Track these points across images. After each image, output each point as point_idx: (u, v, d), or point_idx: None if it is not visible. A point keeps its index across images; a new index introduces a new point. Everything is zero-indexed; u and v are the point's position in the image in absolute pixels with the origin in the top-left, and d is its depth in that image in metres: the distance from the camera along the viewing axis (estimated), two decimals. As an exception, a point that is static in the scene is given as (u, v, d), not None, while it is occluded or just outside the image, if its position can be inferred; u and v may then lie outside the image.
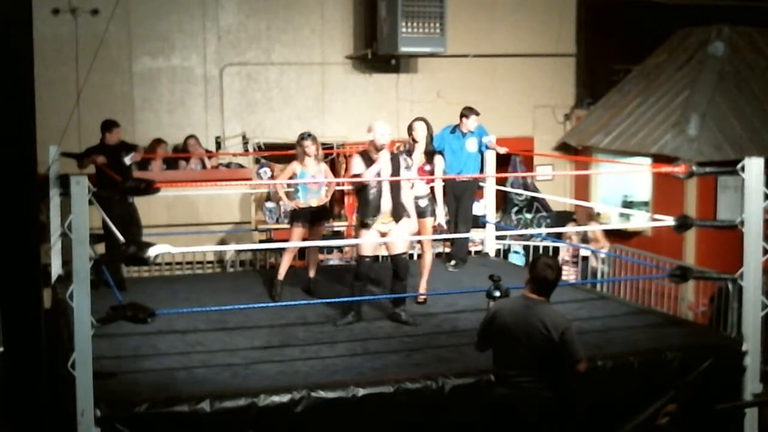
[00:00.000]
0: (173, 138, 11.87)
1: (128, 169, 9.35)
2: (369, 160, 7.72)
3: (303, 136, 8.82)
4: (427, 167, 8.72)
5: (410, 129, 8.78)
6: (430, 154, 8.77)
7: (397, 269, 7.81)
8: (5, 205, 5.33)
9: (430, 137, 8.78)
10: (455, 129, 9.81)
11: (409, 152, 8.64)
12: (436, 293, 8.39)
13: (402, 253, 7.84)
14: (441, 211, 8.80)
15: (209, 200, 11.84)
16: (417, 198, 8.51)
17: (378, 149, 7.70)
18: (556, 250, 11.67)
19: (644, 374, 6.79)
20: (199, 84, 12.21)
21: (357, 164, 7.71)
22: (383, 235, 7.75)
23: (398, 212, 7.77)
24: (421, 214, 8.52)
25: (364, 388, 6.17)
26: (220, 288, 9.32)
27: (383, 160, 7.71)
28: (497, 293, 5.87)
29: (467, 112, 9.74)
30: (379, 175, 7.66)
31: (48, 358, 5.66)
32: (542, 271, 5.57)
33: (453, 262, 9.88)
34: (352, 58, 12.68)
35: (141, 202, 9.34)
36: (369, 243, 7.74)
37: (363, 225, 7.74)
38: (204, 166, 11.70)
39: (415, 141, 8.70)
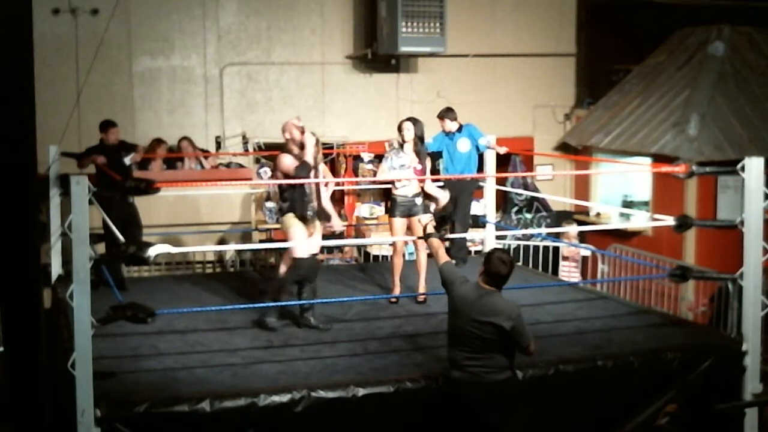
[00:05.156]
0: (173, 138, 11.85)
1: (128, 169, 9.36)
2: None
3: None
4: (419, 167, 8.72)
5: (399, 129, 8.79)
6: (419, 154, 8.77)
7: None
8: (5, 205, 5.33)
9: (419, 137, 8.77)
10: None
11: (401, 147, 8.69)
12: (436, 293, 8.39)
13: None
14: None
15: (209, 200, 11.84)
16: (413, 197, 8.53)
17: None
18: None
19: (644, 374, 6.80)
20: (199, 84, 12.21)
21: None
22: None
23: None
24: (415, 213, 8.54)
25: (364, 388, 6.18)
26: (220, 288, 9.33)
27: None
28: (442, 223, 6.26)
29: (441, 113, 9.74)
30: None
31: (48, 358, 5.66)
32: (496, 266, 5.81)
33: (453, 262, 9.85)
34: (352, 58, 12.68)
35: (141, 202, 9.34)
36: None
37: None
38: (202, 167, 11.70)
39: (404, 141, 8.71)
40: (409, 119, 8.77)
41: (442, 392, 6.12)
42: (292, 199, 7.74)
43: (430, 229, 6.38)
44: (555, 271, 11.42)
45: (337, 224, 8.34)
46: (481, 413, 5.77)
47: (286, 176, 7.72)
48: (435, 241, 6.41)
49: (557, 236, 11.59)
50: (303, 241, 7.71)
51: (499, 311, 5.70)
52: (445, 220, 6.27)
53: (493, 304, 5.74)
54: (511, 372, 5.86)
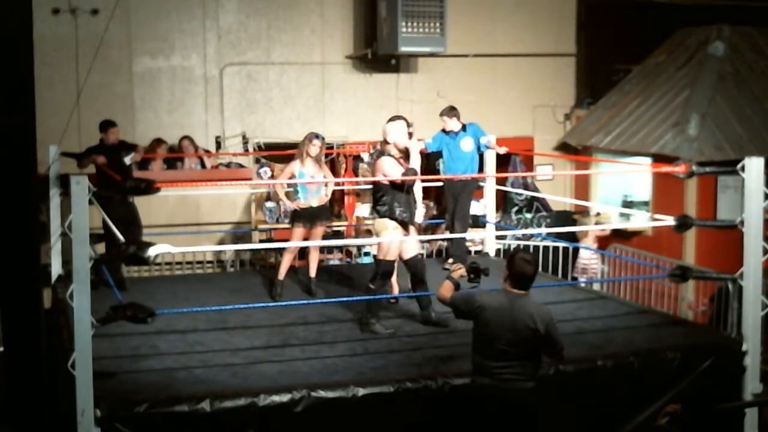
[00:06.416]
0: (173, 138, 11.86)
1: (128, 169, 9.36)
2: None
3: (316, 135, 8.85)
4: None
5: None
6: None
7: None
8: (5, 205, 5.33)
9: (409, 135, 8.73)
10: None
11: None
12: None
13: None
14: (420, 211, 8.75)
15: (210, 200, 11.84)
16: None
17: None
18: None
19: (644, 374, 6.80)
20: (199, 84, 12.21)
21: None
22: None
23: None
24: None
25: (364, 388, 6.17)
26: (220, 288, 9.33)
27: None
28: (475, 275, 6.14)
29: (445, 112, 9.71)
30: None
31: (48, 358, 5.66)
32: (521, 267, 5.65)
33: (451, 261, 9.86)
34: (352, 58, 12.68)
35: (141, 202, 9.34)
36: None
37: None
38: (204, 166, 11.71)
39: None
40: (401, 118, 8.73)
41: (464, 397, 6.02)
42: (392, 204, 7.67)
43: (457, 276, 6.16)
44: (555, 271, 11.40)
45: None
46: (504, 421, 5.64)
47: (390, 181, 7.64)
48: (449, 284, 6.09)
49: (557, 236, 11.55)
50: (408, 242, 7.72)
51: (533, 314, 5.58)
52: (477, 273, 6.06)
53: (527, 308, 5.61)
54: (535, 381, 5.72)
